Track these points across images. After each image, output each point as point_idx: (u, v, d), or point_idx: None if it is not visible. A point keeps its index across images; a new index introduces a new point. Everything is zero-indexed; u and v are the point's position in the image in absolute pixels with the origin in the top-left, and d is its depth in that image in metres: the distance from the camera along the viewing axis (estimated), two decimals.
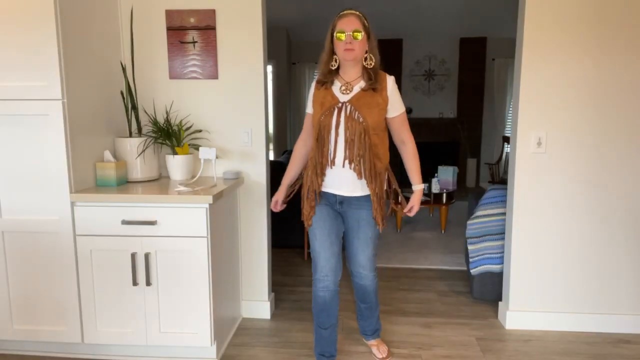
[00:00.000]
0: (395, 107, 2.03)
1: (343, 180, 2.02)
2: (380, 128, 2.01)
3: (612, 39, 2.40)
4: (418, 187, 2.14)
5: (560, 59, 2.43)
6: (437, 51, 7.44)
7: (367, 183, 2.00)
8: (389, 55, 7.40)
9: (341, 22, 1.93)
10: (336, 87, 2.01)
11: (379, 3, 5.69)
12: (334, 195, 2.07)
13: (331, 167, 2.02)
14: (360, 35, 1.91)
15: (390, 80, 2.01)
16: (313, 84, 2.09)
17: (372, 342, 2.39)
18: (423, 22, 6.59)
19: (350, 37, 1.90)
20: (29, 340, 2.28)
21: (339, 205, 2.08)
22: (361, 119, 1.93)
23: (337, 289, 2.11)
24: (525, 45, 2.44)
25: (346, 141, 1.96)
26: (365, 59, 1.98)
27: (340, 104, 1.97)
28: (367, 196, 2.05)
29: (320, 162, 2.02)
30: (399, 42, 7.40)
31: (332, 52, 2.00)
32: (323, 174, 2.04)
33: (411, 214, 2.15)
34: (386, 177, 2.10)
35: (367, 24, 1.96)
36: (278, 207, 2.23)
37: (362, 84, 1.99)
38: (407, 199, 2.18)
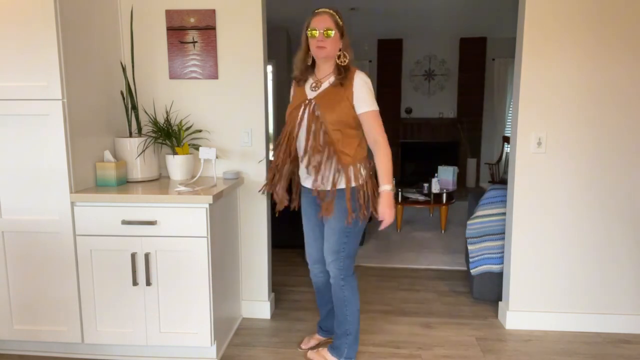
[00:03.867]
0: (361, 103, 1.98)
1: (304, 174, 2.11)
2: (345, 124, 1.98)
3: (612, 39, 2.40)
4: (384, 187, 1.98)
5: (561, 58, 2.43)
6: (437, 51, 7.43)
7: (327, 177, 2.01)
8: (389, 55, 7.41)
9: (314, 20, 1.98)
10: (308, 84, 2.08)
11: (379, 3, 5.69)
12: (308, 189, 2.14)
13: (301, 162, 2.09)
14: (332, 33, 1.94)
15: (357, 76, 1.99)
16: (293, 82, 2.14)
17: (319, 338, 2.41)
18: (423, 22, 6.58)
19: (322, 35, 1.94)
20: (29, 340, 2.28)
21: (317, 197, 2.10)
22: (318, 115, 1.97)
23: (327, 276, 2.22)
24: (525, 45, 2.44)
25: (305, 137, 2.02)
26: (339, 56, 2.01)
27: (307, 101, 2.03)
28: (337, 190, 2.03)
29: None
30: (399, 42, 7.38)
31: (308, 49, 2.05)
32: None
33: (381, 227, 2.00)
34: (353, 172, 2.01)
35: (340, 23, 1.99)
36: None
37: (331, 79, 2.02)
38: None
